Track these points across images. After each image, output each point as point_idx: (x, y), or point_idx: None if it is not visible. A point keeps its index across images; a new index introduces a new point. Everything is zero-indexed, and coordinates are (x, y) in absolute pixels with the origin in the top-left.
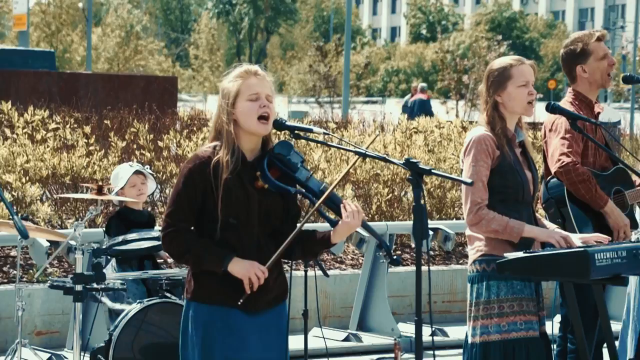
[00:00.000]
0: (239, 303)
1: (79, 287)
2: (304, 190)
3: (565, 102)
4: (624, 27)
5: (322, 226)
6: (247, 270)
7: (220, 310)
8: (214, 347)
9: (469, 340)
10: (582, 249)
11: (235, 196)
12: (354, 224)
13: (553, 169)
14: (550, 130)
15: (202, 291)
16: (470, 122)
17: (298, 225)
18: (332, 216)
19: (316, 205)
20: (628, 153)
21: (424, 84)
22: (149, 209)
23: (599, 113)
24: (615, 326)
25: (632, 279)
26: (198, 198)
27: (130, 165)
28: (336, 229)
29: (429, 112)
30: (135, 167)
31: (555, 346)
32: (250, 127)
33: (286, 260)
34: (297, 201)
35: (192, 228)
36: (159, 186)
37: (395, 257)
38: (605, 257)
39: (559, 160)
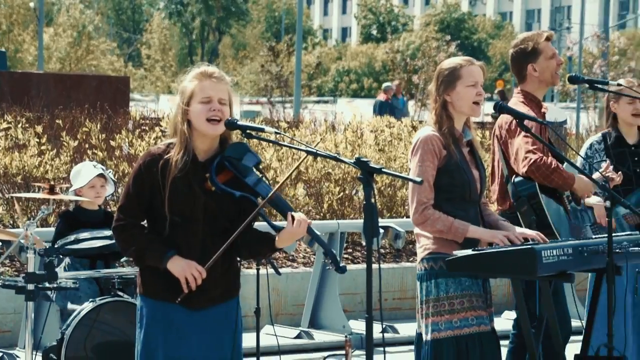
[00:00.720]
0: (177, 301)
1: (30, 286)
2: (248, 195)
3: (517, 102)
4: (569, 28)
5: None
6: (183, 270)
7: (164, 305)
8: (155, 342)
9: (424, 337)
10: (529, 246)
11: (180, 195)
12: (298, 232)
13: (522, 169)
14: (507, 130)
15: (147, 286)
16: (420, 122)
17: (239, 228)
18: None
19: (257, 209)
20: (574, 152)
21: (388, 84)
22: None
23: (544, 112)
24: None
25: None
26: (146, 194)
27: (94, 166)
28: (280, 236)
29: (392, 113)
30: (98, 169)
31: (508, 342)
32: (200, 128)
33: (239, 262)
34: (251, 203)
35: (142, 223)
36: (115, 186)
37: (342, 265)
38: (551, 254)
39: (526, 158)
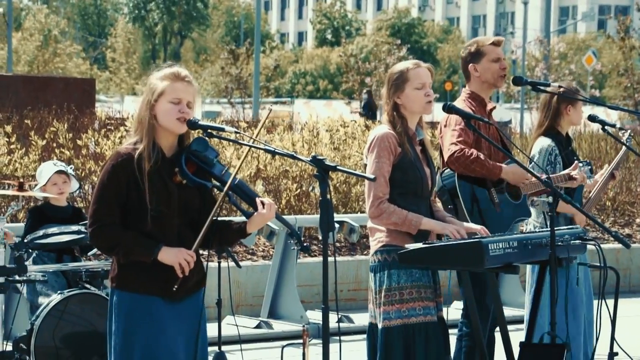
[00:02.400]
0: (174, 289)
1: (1, 279)
2: (219, 184)
3: (460, 101)
4: (513, 33)
5: (237, 218)
6: (176, 257)
7: (143, 298)
8: (135, 333)
9: (373, 327)
10: (476, 239)
11: (157, 190)
12: (268, 216)
13: (445, 159)
14: (445, 125)
15: (126, 280)
16: (375, 122)
17: (213, 211)
18: (246, 208)
19: (224, 191)
20: (518, 150)
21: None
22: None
23: (492, 110)
24: (509, 311)
25: (528, 268)
26: (123, 193)
27: (54, 164)
28: (251, 220)
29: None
30: (58, 166)
31: (457, 330)
32: (167, 124)
33: (202, 251)
34: (214, 194)
35: (118, 222)
36: (80, 183)
37: (305, 244)
38: (498, 247)
39: (449, 149)
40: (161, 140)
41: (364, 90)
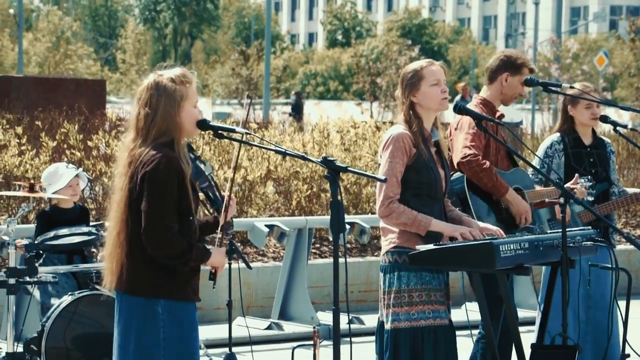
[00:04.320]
0: (214, 287)
1: (12, 281)
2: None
3: (472, 105)
4: (524, 33)
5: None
6: (224, 258)
7: (179, 304)
8: (190, 339)
9: (385, 326)
10: (487, 241)
11: (194, 196)
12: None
13: (456, 162)
14: (456, 128)
15: (163, 288)
16: (384, 123)
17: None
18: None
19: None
20: (529, 151)
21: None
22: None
23: (500, 116)
24: (521, 313)
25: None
26: (176, 197)
27: (67, 166)
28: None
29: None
30: (74, 170)
31: (477, 332)
32: (190, 129)
33: None
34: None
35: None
36: (89, 183)
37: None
38: (509, 248)
39: (462, 152)
40: (179, 144)
41: (293, 92)
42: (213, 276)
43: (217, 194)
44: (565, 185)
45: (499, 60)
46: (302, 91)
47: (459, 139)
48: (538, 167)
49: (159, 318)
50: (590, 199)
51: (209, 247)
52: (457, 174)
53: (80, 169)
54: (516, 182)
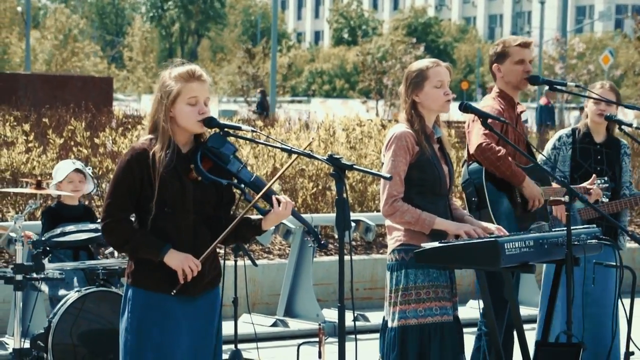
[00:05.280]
0: (172, 293)
1: (19, 277)
2: (236, 182)
3: (490, 98)
4: (530, 32)
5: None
6: (181, 262)
7: (157, 296)
8: (149, 331)
9: (388, 325)
10: (492, 239)
11: (171, 188)
12: (284, 214)
13: (472, 151)
14: (473, 120)
15: (141, 277)
16: (389, 121)
17: (242, 213)
18: (261, 205)
19: (255, 199)
20: (534, 149)
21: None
22: (86, 202)
23: (521, 112)
24: (525, 310)
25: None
26: (137, 187)
27: (73, 162)
28: (267, 218)
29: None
30: (76, 165)
31: (477, 329)
32: (188, 127)
33: (219, 249)
34: (232, 190)
35: (132, 217)
36: (95, 182)
37: (323, 242)
38: (514, 246)
39: (477, 141)
40: (177, 136)
41: (258, 90)
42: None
43: (252, 193)
44: (582, 185)
45: (489, 58)
46: (265, 89)
47: (475, 130)
48: (545, 160)
49: (127, 304)
50: (605, 200)
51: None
52: (474, 165)
53: (88, 168)
54: (533, 177)
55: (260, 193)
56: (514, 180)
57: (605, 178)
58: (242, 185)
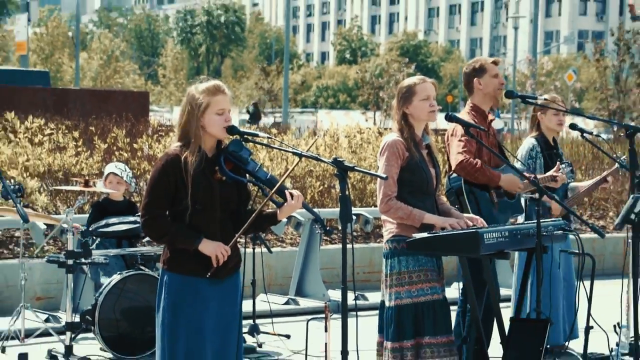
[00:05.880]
0: (207, 276)
1: (70, 262)
2: (254, 180)
3: (464, 113)
4: (505, 53)
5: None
6: (214, 249)
7: (190, 279)
8: (183, 310)
9: (385, 304)
10: (473, 230)
11: (201, 187)
12: (296, 205)
13: (453, 167)
14: (452, 134)
15: (176, 264)
16: (385, 129)
17: (255, 210)
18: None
19: (271, 193)
20: (509, 153)
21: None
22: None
23: (491, 121)
24: (501, 291)
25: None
26: (172, 188)
27: (116, 166)
28: (282, 209)
29: None
30: (115, 170)
31: (456, 307)
32: (216, 133)
33: (240, 238)
34: (248, 188)
35: (167, 214)
36: (134, 182)
37: (328, 228)
38: (492, 236)
39: (456, 159)
40: (204, 143)
41: (251, 102)
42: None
43: (263, 186)
44: (549, 173)
45: (465, 73)
46: (259, 101)
47: (453, 144)
48: (520, 167)
49: (164, 287)
50: (571, 181)
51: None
52: (455, 175)
53: (127, 173)
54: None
55: (275, 188)
56: (492, 182)
57: (568, 162)
58: (260, 183)
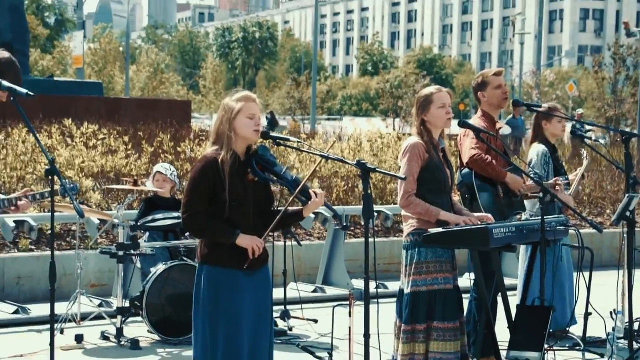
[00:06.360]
0: (245, 267)
1: (120, 253)
2: (282, 181)
3: (476, 118)
4: (512, 66)
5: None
6: (251, 242)
7: (227, 271)
8: (221, 300)
9: (404, 292)
10: (484, 226)
11: (237, 187)
12: (320, 202)
13: (465, 161)
14: (465, 135)
15: (213, 257)
16: (404, 134)
17: (283, 209)
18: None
19: (295, 192)
20: (516, 157)
21: (580, 110)
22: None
23: (500, 128)
24: (507, 281)
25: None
26: (210, 188)
27: (162, 166)
28: (307, 207)
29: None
30: (161, 169)
31: (469, 295)
32: (246, 135)
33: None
34: (272, 190)
35: (206, 211)
36: (178, 181)
37: (345, 224)
38: (500, 231)
39: (470, 153)
40: (237, 146)
41: (267, 112)
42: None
43: (289, 186)
44: (551, 182)
45: (472, 87)
46: (274, 111)
47: (466, 143)
48: (535, 171)
49: (203, 279)
50: (566, 193)
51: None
52: (466, 170)
53: (172, 173)
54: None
55: (299, 187)
56: (499, 178)
57: (566, 177)
58: (287, 183)
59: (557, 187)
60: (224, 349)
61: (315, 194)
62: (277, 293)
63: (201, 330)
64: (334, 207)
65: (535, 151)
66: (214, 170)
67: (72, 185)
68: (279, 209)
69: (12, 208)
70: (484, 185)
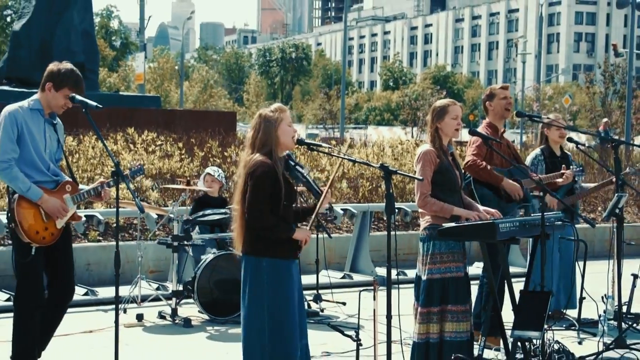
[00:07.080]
0: (298, 255)
1: (175, 243)
2: (307, 181)
3: (481, 127)
4: (515, 82)
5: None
6: (304, 235)
7: (282, 262)
8: (281, 286)
9: (421, 278)
10: (491, 221)
11: (286, 189)
12: (328, 197)
13: (463, 167)
14: (470, 145)
15: (271, 250)
16: (421, 141)
17: (313, 205)
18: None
19: (325, 192)
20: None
21: (606, 119)
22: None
23: (502, 132)
24: (512, 269)
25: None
26: (270, 190)
27: (211, 168)
28: (321, 202)
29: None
30: (210, 171)
31: (478, 281)
32: (287, 142)
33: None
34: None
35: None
36: (225, 182)
37: (330, 234)
38: (505, 226)
39: (466, 159)
40: (278, 153)
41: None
42: (299, 247)
43: (315, 187)
44: (558, 173)
45: (481, 100)
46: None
47: (468, 151)
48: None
49: (264, 271)
50: (579, 180)
51: (304, 225)
52: (469, 175)
53: (219, 175)
54: (517, 175)
55: (327, 186)
56: (495, 182)
57: (577, 163)
58: (313, 183)
59: (564, 177)
60: (287, 332)
61: (326, 192)
62: (310, 279)
63: (259, 316)
64: (360, 205)
65: (531, 154)
66: (272, 175)
67: (139, 166)
68: (303, 205)
69: (97, 197)
70: (482, 189)
